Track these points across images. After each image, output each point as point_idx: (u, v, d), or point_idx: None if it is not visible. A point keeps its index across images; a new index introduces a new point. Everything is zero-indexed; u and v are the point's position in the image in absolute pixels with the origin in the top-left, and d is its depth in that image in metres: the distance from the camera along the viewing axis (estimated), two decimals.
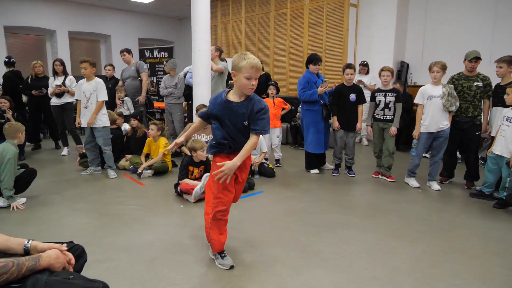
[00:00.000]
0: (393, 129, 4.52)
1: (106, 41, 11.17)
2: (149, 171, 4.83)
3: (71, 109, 6.03)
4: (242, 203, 3.87)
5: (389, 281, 2.37)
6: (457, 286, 2.32)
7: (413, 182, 4.47)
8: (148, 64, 9.06)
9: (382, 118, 4.63)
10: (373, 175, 4.89)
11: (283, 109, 5.54)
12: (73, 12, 10.14)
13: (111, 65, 6.69)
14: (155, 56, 9.24)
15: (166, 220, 3.37)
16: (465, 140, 4.36)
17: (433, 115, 4.18)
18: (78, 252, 1.68)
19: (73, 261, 1.55)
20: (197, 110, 4.91)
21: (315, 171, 5.10)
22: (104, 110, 4.68)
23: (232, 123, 2.30)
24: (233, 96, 2.33)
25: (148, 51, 9.36)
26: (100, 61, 11.04)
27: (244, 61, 2.18)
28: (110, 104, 6.27)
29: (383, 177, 4.77)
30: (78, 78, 6.42)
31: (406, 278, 2.40)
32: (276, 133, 5.40)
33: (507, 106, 3.91)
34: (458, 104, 4.18)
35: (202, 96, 5.18)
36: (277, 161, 5.49)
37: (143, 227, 3.21)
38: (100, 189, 4.30)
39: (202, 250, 2.76)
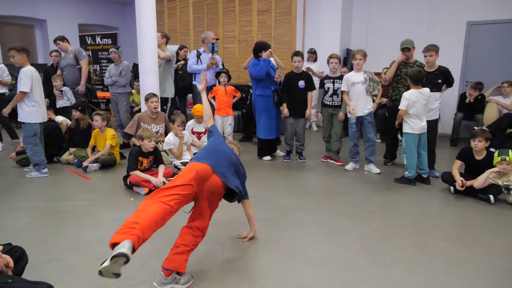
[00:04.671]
0: (341, 115, 4.70)
1: (42, 27, 10.31)
2: (95, 164, 4.59)
3: (3, 100, 5.52)
4: None
5: (341, 260, 2.48)
6: (403, 259, 2.49)
7: (348, 166, 4.68)
8: (90, 52, 8.54)
9: (331, 104, 4.78)
10: (323, 160, 5.06)
11: (234, 96, 5.52)
12: None
13: (57, 51, 6.19)
14: (97, 43, 8.71)
15: (117, 214, 3.24)
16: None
17: (358, 100, 4.44)
18: (18, 254, 1.56)
19: (11, 264, 1.45)
20: (146, 99, 4.73)
21: (267, 157, 5.16)
22: (31, 103, 4.15)
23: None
24: None
25: (90, 38, 8.80)
26: (35, 49, 10.20)
27: None
28: (48, 95, 5.85)
29: (332, 161, 4.95)
30: (9, 67, 5.93)
31: (357, 256, 2.53)
32: (228, 121, 5.38)
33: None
34: (380, 87, 4.50)
35: (150, 85, 4.98)
36: None
37: (92, 223, 3.06)
38: (42, 186, 4.02)
39: (156, 242, 2.69)
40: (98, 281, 2.20)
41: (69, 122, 5.26)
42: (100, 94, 7.82)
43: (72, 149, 4.92)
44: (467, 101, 6.14)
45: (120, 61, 5.98)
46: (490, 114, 5.87)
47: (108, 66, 6.33)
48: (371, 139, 4.54)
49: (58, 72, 5.96)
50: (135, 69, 7.15)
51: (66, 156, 4.89)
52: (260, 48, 4.85)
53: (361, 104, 4.45)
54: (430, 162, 4.33)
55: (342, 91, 4.60)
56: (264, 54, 4.72)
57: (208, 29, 8.74)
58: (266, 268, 2.37)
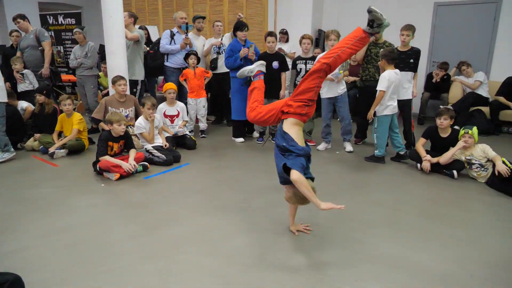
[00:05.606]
0: None
1: None
2: (62, 150, 4.43)
3: None
4: (168, 176, 3.79)
5: (313, 237, 2.54)
6: (373, 234, 2.59)
7: (320, 146, 4.77)
8: (52, 32, 8.11)
9: None
10: None
11: (206, 78, 5.42)
12: None
13: (17, 30, 5.82)
14: (60, 22, 8.27)
15: (87, 200, 3.16)
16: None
17: (331, 81, 4.47)
18: None
19: None
20: (113, 82, 4.57)
21: (240, 139, 5.16)
22: None
23: None
24: None
25: (52, 17, 8.34)
26: None
27: None
28: (9, 78, 5.54)
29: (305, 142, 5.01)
30: None
31: (330, 233, 2.61)
32: (202, 103, 5.30)
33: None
34: (347, 68, 4.59)
35: (118, 67, 4.81)
36: (202, 131, 5.42)
37: (61, 210, 2.97)
38: (6, 174, 3.85)
39: (129, 228, 2.66)
40: (69, 269, 2.16)
41: (33, 107, 5.02)
42: (65, 77, 7.50)
43: (37, 135, 4.72)
44: (433, 80, 6.33)
45: (86, 42, 5.71)
46: (455, 93, 6.10)
47: (72, 48, 6.04)
48: (347, 118, 4.63)
49: (18, 53, 5.63)
50: (101, 50, 6.88)
51: (30, 143, 4.69)
52: (235, 27, 4.89)
53: (333, 85, 4.50)
54: (409, 142, 4.46)
55: None
56: (241, 53, 4.73)
57: (177, 8, 8.46)
58: (244, 248, 2.39)
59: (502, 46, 6.22)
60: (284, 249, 2.39)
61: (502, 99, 5.63)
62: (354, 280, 2.07)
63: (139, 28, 6.27)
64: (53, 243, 2.45)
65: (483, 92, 5.88)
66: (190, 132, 5.08)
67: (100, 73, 6.48)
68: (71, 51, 6.05)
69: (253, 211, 2.95)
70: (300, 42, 4.78)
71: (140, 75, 5.41)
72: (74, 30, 5.74)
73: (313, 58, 4.75)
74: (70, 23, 8.18)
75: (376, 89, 4.02)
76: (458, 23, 6.54)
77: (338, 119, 4.83)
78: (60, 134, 4.75)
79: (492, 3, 6.20)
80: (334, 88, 4.51)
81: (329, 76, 4.69)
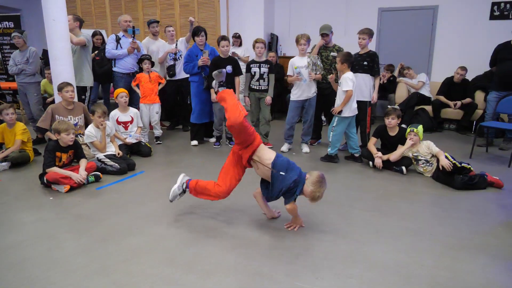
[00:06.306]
0: (268, 99, 4.79)
1: None
2: (4, 163, 4.11)
3: None
4: (123, 185, 3.65)
5: (270, 237, 2.57)
6: (326, 232, 2.66)
7: (283, 147, 4.85)
8: None
9: (257, 88, 4.84)
10: None
11: (160, 84, 5.30)
12: None
13: None
14: None
15: (35, 215, 2.96)
16: (328, 104, 4.87)
17: (302, 84, 4.55)
18: None
19: None
20: (59, 89, 4.33)
21: (194, 142, 5.13)
22: None
23: None
24: None
25: None
26: None
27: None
28: None
29: None
30: None
31: (286, 232, 2.65)
32: (155, 109, 5.17)
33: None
34: (320, 72, 4.60)
35: (63, 73, 4.55)
36: (157, 138, 5.29)
37: (6, 227, 2.75)
38: None
39: (80, 241, 2.53)
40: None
41: None
42: (4, 84, 7.00)
43: None
44: (380, 82, 6.66)
45: (26, 47, 5.37)
46: (401, 94, 6.46)
47: (11, 53, 5.65)
48: (311, 121, 4.74)
49: None
50: (45, 55, 6.50)
51: None
52: (193, 33, 4.99)
53: (305, 88, 4.55)
54: (364, 143, 4.61)
55: (287, 75, 4.67)
56: (200, 62, 4.78)
57: (126, 12, 8.22)
58: (203, 255, 2.36)
59: (440, 49, 6.70)
60: (243, 253, 2.39)
61: (442, 98, 6.05)
62: (314, 278, 2.11)
63: (92, 34, 6.03)
64: None
65: (425, 92, 6.28)
66: (143, 138, 4.94)
67: (44, 80, 6.11)
68: (9, 56, 5.65)
69: (211, 217, 2.92)
70: (254, 46, 4.82)
71: (88, 81, 5.17)
72: (13, 35, 5.37)
73: (266, 62, 4.81)
74: (8, 26, 7.63)
75: (343, 89, 4.05)
76: (400, 27, 6.94)
77: (302, 121, 4.92)
78: (1, 146, 4.41)
79: (430, 9, 6.65)
80: (306, 91, 4.57)
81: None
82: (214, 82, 4.53)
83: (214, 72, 3.07)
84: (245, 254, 2.36)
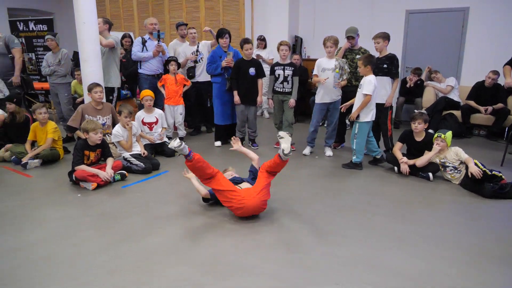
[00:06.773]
0: (292, 101, 4.77)
1: None
2: (36, 160, 4.29)
3: None
4: (147, 184, 3.73)
5: (290, 241, 2.55)
6: (347, 237, 2.62)
7: (305, 150, 4.81)
8: (23, 39, 7.88)
9: (281, 91, 4.83)
10: (275, 146, 5.13)
11: (185, 85, 5.39)
12: None
13: None
14: (31, 29, 8.04)
15: (61, 212, 3.06)
16: (352, 108, 4.81)
17: (327, 86, 4.51)
18: None
19: None
20: (89, 90, 4.48)
21: (218, 143, 5.17)
22: None
23: None
24: None
25: (22, 24, 8.10)
26: None
27: None
28: None
29: None
30: None
31: (306, 237, 2.62)
32: (179, 110, 5.26)
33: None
34: (346, 77, 4.55)
35: (92, 74, 4.70)
36: (181, 139, 5.37)
37: (33, 223, 2.87)
38: None
39: (103, 239, 2.60)
40: (38, 285, 2.08)
41: (5, 114, 4.84)
42: (37, 85, 7.29)
43: (8, 145, 4.55)
44: (407, 86, 6.52)
45: (58, 49, 5.57)
46: (428, 98, 6.29)
47: (45, 55, 5.88)
48: (335, 124, 4.71)
49: None
50: (75, 57, 6.73)
51: (1, 153, 4.51)
52: (217, 34, 5.05)
53: (329, 90, 4.52)
54: (387, 147, 4.53)
55: (313, 74, 4.65)
56: (224, 63, 4.86)
57: (153, 15, 8.41)
58: (220, 253, 2.37)
59: (471, 52, 6.47)
60: (262, 256, 2.38)
61: (472, 103, 5.85)
62: (334, 284, 2.08)
63: (122, 36, 6.20)
64: (22, 259, 2.35)
65: (454, 96, 6.09)
66: (168, 139, 5.03)
67: (74, 80, 6.33)
68: (43, 58, 5.88)
69: (231, 219, 2.93)
70: (278, 49, 4.82)
71: (116, 82, 5.32)
72: (46, 37, 5.59)
73: (291, 64, 4.80)
74: (41, 29, 7.97)
75: (363, 93, 3.99)
76: (429, 30, 6.76)
77: (325, 125, 4.88)
78: (33, 144, 4.60)
79: (460, 11, 6.45)
80: (331, 93, 4.54)
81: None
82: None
83: (175, 146, 2.68)
84: (264, 257, 2.36)
